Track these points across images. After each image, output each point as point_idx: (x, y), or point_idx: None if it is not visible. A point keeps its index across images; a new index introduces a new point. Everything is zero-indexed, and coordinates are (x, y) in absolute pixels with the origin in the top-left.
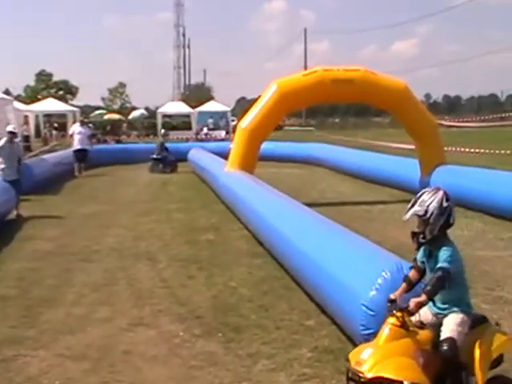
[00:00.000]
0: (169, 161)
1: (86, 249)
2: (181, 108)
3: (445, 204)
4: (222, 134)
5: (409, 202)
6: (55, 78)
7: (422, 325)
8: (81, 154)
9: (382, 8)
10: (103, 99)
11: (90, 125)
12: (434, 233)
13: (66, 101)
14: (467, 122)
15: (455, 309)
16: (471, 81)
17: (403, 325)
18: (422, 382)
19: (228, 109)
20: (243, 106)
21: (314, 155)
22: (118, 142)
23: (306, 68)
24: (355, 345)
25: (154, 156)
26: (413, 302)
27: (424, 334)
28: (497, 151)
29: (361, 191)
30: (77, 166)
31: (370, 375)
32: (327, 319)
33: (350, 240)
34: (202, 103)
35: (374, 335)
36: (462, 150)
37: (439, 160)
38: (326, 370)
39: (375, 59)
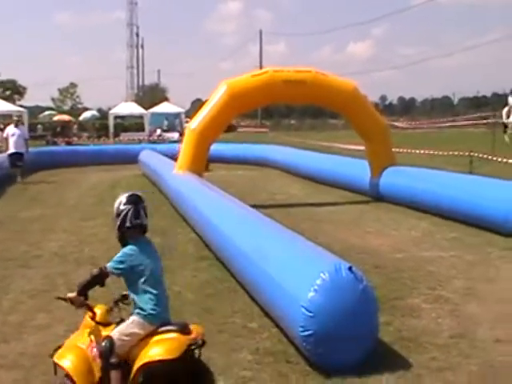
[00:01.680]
0: None
1: (26, 254)
2: (133, 109)
3: (121, 207)
4: (176, 135)
5: (359, 203)
6: (2, 78)
7: (121, 321)
8: (16, 158)
9: (339, 9)
10: (53, 100)
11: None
12: (116, 233)
13: (13, 101)
14: (420, 124)
15: (136, 311)
16: (426, 83)
17: (94, 317)
18: (75, 374)
19: (182, 110)
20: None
21: (266, 157)
22: (69, 143)
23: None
24: (296, 346)
25: None
26: (69, 296)
27: (110, 329)
28: (446, 152)
29: (311, 193)
30: (17, 171)
31: (55, 360)
32: (270, 321)
33: (291, 242)
34: (156, 104)
35: (313, 336)
36: (414, 151)
37: (389, 161)
38: (265, 373)
39: (331, 61)
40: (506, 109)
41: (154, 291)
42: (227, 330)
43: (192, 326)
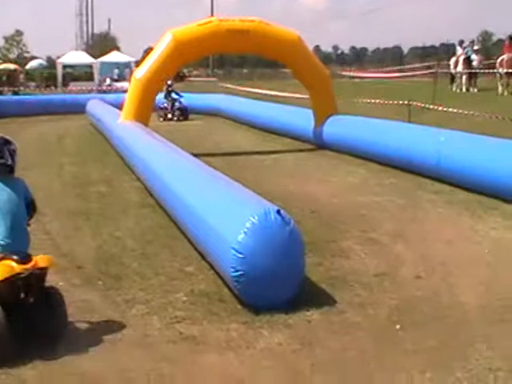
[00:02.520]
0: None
1: None
2: (82, 58)
3: None
4: (126, 85)
5: (302, 151)
6: None
7: None
8: None
9: None
10: None
11: None
12: None
13: None
14: (368, 72)
15: None
16: (378, 33)
17: None
18: None
19: (132, 59)
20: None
21: (214, 106)
22: (15, 93)
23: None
24: (229, 287)
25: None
26: None
27: None
28: (389, 102)
29: (257, 142)
30: None
31: None
32: (206, 265)
33: (225, 188)
34: (106, 53)
35: (243, 277)
36: (362, 100)
37: (332, 110)
38: (198, 312)
39: (285, 11)
40: (453, 59)
41: (2, 223)
42: (164, 273)
43: (38, 257)
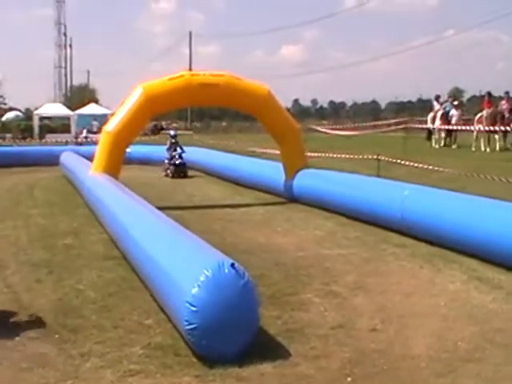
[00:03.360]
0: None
1: None
2: (59, 110)
3: None
4: None
5: (273, 204)
6: None
7: None
8: None
9: (272, 12)
10: None
11: None
12: None
13: None
14: (339, 129)
15: None
16: (356, 87)
17: None
18: None
19: (109, 112)
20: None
21: (188, 159)
22: None
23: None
24: (185, 341)
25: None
26: None
27: None
28: (360, 156)
29: (229, 194)
30: None
31: None
32: (165, 317)
33: (185, 242)
34: (84, 105)
35: (196, 330)
36: (332, 155)
37: (301, 163)
38: (152, 365)
39: (264, 63)
40: (431, 114)
41: None
42: (123, 326)
43: None
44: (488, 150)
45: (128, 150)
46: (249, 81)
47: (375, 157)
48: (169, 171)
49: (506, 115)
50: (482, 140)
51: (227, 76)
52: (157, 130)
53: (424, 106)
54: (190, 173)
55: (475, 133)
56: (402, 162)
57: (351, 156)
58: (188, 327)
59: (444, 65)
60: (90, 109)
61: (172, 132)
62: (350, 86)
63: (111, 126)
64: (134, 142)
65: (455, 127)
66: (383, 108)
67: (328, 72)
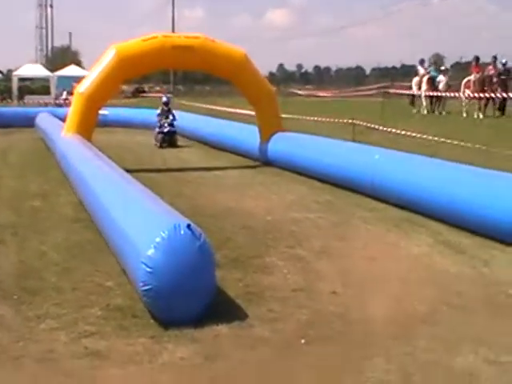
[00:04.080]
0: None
1: None
2: (39, 71)
3: None
4: None
5: (247, 167)
6: None
7: None
8: None
9: None
10: None
11: None
12: None
13: None
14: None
15: None
16: (341, 53)
17: None
18: None
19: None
20: None
21: None
22: None
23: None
24: (143, 301)
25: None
26: None
27: None
28: (338, 120)
29: (204, 158)
30: None
31: None
32: (127, 279)
33: (146, 204)
34: (66, 66)
35: (152, 291)
36: (310, 118)
37: (276, 127)
38: (108, 327)
39: (249, 27)
40: (415, 79)
41: None
42: (83, 288)
43: None
44: (481, 116)
45: (105, 112)
46: (224, 44)
47: (349, 121)
48: (157, 139)
49: (494, 80)
50: (475, 106)
51: (202, 38)
52: (138, 92)
53: (407, 72)
54: (182, 142)
55: (464, 98)
56: (378, 128)
57: (329, 120)
58: (143, 288)
59: (427, 32)
60: (71, 70)
61: (164, 98)
62: (336, 51)
63: (84, 87)
64: (114, 104)
65: (443, 93)
66: (368, 74)
67: (314, 37)
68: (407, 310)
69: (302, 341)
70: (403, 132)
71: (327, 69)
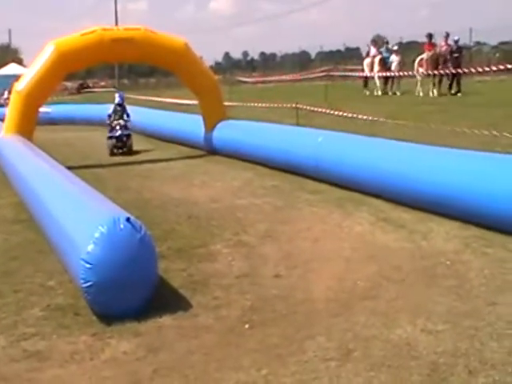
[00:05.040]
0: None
1: None
2: None
3: None
4: None
5: (192, 157)
6: None
7: None
8: None
9: None
10: None
11: None
12: None
13: None
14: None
15: None
16: (286, 38)
17: None
18: None
19: None
20: None
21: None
22: None
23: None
24: (85, 299)
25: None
26: None
27: None
28: (282, 105)
29: (149, 150)
30: None
31: None
32: (69, 278)
33: (85, 199)
34: (6, 65)
35: (93, 287)
36: (256, 104)
37: (221, 116)
38: (49, 327)
39: (194, 18)
40: (367, 60)
41: None
42: (23, 289)
43: None
44: (436, 93)
45: (48, 110)
46: (164, 34)
47: (293, 105)
48: (108, 146)
49: (448, 57)
50: (429, 85)
51: (142, 30)
52: (82, 88)
53: (352, 55)
54: (139, 144)
55: (418, 77)
56: (322, 111)
57: (273, 105)
58: (84, 285)
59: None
60: (11, 69)
61: (117, 98)
62: (281, 37)
63: (22, 85)
64: (57, 102)
65: (396, 73)
66: (313, 58)
67: (258, 24)
68: (348, 288)
69: (246, 326)
70: (345, 114)
71: (273, 55)
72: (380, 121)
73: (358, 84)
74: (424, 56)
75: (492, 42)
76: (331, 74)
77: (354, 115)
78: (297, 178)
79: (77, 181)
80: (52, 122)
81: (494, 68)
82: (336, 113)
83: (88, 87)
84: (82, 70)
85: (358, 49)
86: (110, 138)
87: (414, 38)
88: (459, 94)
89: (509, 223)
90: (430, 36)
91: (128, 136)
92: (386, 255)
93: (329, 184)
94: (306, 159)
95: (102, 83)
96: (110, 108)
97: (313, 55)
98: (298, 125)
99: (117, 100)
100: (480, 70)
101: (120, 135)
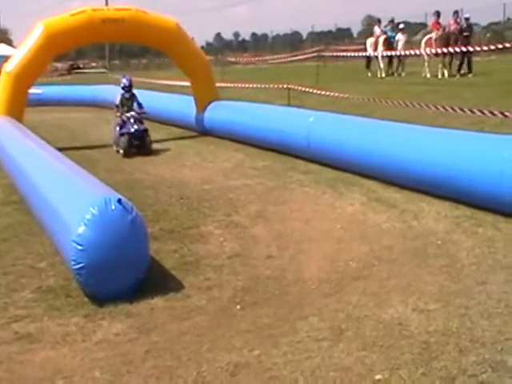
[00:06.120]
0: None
1: None
2: None
3: None
4: None
5: (184, 138)
6: None
7: None
8: None
9: None
10: None
11: None
12: None
13: None
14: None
15: None
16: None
17: None
18: None
19: None
20: None
21: (103, 98)
22: None
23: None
24: (76, 280)
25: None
26: None
27: None
28: (273, 86)
29: None
30: None
31: None
32: (60, 259)
33: (77, 181)
34: None
35: (84, 269)
36: (248, 85)
37: (212, 96)
38: (40, 309)
39: None
40: (371, 39)
41: None
42: (14, 271)
43: None
44: (446, 74)
45: (39, 91)
46: (156, 14)
47: (284, 86)
48: (119, 145)
49: (458, 36)
50: (440, 65)
51: (133, 10)
52: (72, 69)
53: (343, 35)
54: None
55: (426, 57)
56: (313, 91)
57: (265, 86)
58: (76, 267)
59: None
60: (0, 50)
61: (124, 80)
62: (272, 17)
63: (11, 65)
64: (47, 83)
65: (402, 53)
66: (304, 38)
67: (250, 4)
68: (340, 268)
69: (238, 307)
70: (337, 94)
71: (264, 36)
72: (372, 100)
73: (350, 65)
74: (433, 35)
75: (482, 23)
76: (322, 54)
77: (346, 95)
78: (288, 159)
79: (67, 162)
80: (42, 103)
81: (500, 46)
82: (327, 93)
83: (78, 68)
84: (72, 50)
85: (348, 29)
86: (123, 134)
87: (405, 18)
88: (470, 75)
89: (499, 202)
90: (437, 14)
91: (145, 131)
92: (378, 235)
93: (320, 164)
94: (297, 139)
95: (93, 64)
96: (117, 97)
97: (304, 36)
98: (289, 105)
99: (124, 81)
100: (492, 47)
101: (136, 131)
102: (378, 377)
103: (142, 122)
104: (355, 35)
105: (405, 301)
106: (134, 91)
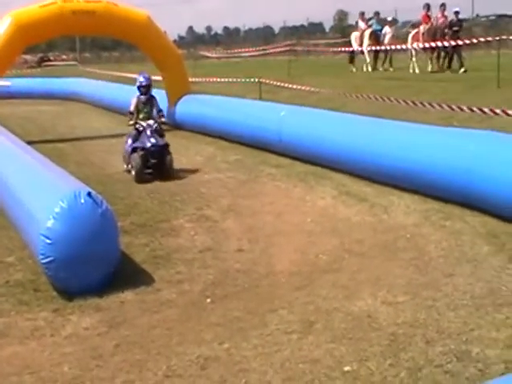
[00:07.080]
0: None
1: None
2: None
3: None
4: None
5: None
6: None
7: None
8: None
9: None
10: None
11: None
12: None
13: None
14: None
15: None
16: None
17: None
18: None
19: None
20: None
21: (73, 90)
22: None
23: None
24: (45, 274)
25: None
26: None
27: None
28: (245, 80)
29: (113, 125)
30: None
31: None
32: (28, 254)
33: (46, 174)
34: None
35: (53, 263)
36: (220, 80)
37: (184, 90)
38: (8, 304)
39: None
40: (355, 34)
41: None
42: None
43: None
44: (430, 68)
45: (7, 83)
46: (127, 7)
47: (255, 80)
48: (131, 163)
49: (446, 31)
50: (414, 60)
51: (104, 2)
52: (43, 61)
53: (315, 30)
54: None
55: (413, 51)
56: (285, 85)
57: (237, 80)
58: (44, 260)
59: None
60: None
61: (141, 78)
62: (245, 11)
63: None
64: (16, 75)
65: (388, 47)
66: (277, 33)
67: None
68: (311, 261)
69: (208, 300)
70: (308, 88)
71: (237, 29)
72: (343, 95)
73: (322, 59)
74: (420, 29)
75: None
76: (295, 48)
77: (317, 90)
78: (260, 153)
79: (37, 155)
80: (11, 95)
81: (490, 38)
82: (299, 87)
83: (49, 60)
84: (43, 42)
85: (321, 24)
86: (135, 150)
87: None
88: (462, 70)
89: (466, 196)
90: (427, 6)
91: (165, 147)
92: (348, 229)
93: (292, 158)
94: (269, 133)
95: (64, 56)
96: (132, 100)
97: (276, 30)
98: (261, 99)
99: (141, 80)
100: (481, 40)
101: (153, 146)
102: (346, 368)
103: (161, 135)
104: (327, 30)
105: (374, 293)
106: (153, 93)
